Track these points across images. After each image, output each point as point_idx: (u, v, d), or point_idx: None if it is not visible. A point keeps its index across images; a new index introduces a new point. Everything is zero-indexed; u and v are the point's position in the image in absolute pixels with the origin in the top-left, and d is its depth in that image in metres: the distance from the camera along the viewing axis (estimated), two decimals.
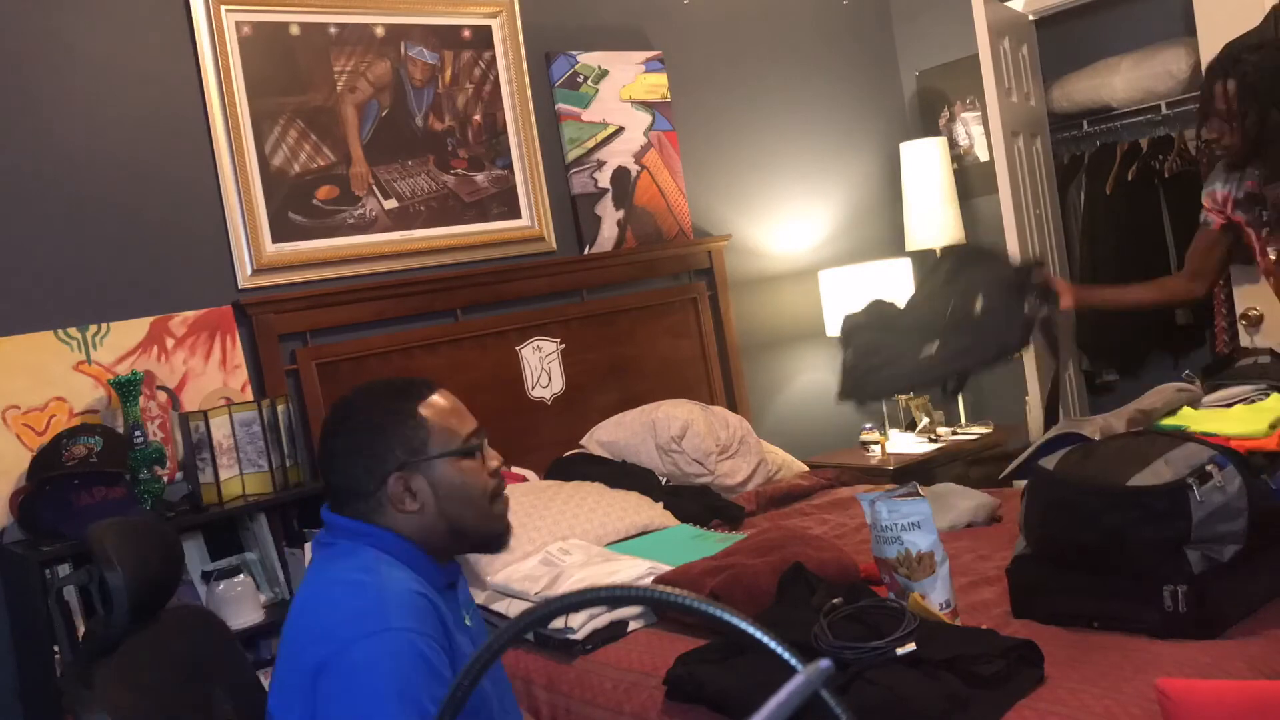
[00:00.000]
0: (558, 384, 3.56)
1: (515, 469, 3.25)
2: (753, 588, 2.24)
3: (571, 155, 3.70)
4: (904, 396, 4.25)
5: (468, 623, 1.57)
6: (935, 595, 1.92)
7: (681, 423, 3.32)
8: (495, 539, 1.59)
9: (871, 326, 2.44)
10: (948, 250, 2.91)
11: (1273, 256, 2.70)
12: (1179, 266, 4.20)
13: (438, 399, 1.56)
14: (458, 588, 1.60)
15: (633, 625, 2.39)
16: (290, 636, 1.44)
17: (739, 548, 2.51)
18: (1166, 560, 1.82)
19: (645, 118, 3.88)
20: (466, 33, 3.54)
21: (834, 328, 4.09)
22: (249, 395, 3.00)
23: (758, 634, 0.61)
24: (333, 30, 3.28)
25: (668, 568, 2.51)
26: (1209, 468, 1.82)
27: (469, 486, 1.53)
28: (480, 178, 3.54)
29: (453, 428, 1.54)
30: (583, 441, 3.47)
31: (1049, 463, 2.03)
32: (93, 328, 2.82)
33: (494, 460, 1.58)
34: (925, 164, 4.28)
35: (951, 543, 2.67)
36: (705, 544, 2.74)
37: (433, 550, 1.53)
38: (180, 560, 1.74)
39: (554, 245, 3.65)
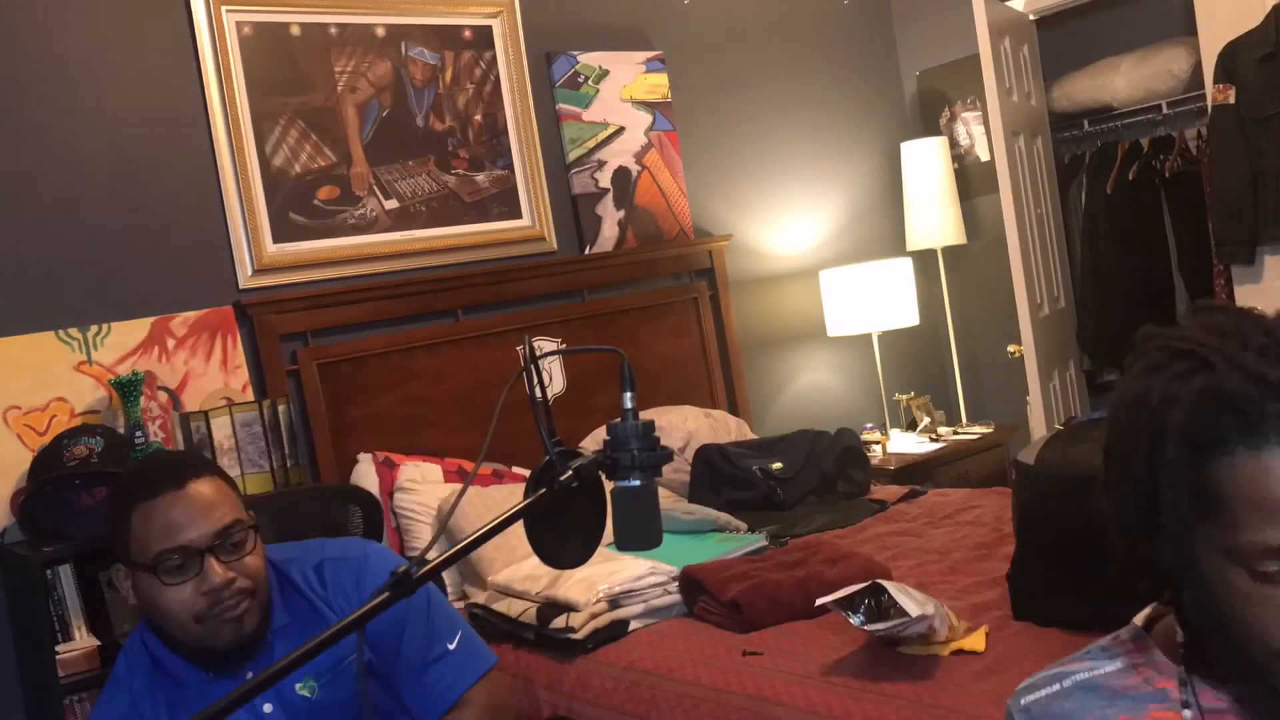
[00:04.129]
0: (558, 384, 3.56)
1: (516, 469, 3.25)
2: (775, 597, 2.28)
3: (572, 155, 3.70)
4: (904, 396, 4.25)
5: (266, 709, 1.53)
6: (940, 633, 1.94)
7: (684, 433, 3.35)
8: (213, 655, 1.50)
9: None
10: None
11: None
12: (1180, 266, 4.20)
13: (169, 499, 1.45)
14: (248, 671, 1.52)
15: (634, 625, 2.39)
16: None
17: (767, 558, 2.53)
18: None
19: (646, 118, 3.87)
20: (467, 33, 3.54)
21: (834, 328, 4.09)
22: (250, 396, 3.00)
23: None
24: (333, 30, 3.28)
25: (669, 568, 2.51)
26: None
27: (162, 603, 1.45)
28: (481, 178, 3.54)
29: (150, 540, 1.43)
30: (583, 444, 3.47)
31: (1028, 455, 2.03)
32: (94, 328, 2.82)
33: (209, 581, 1.44)
34: (926, 164, 4.28)
35: (953, 541, 2.67)
36: (705, 545, 2.74)
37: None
38: None
39: (554, 245, 3.65)
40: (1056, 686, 0.99)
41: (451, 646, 1.60)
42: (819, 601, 2.01)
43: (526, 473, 3.26)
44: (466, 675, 1.60)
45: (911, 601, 1.89)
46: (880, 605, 1.94)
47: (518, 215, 3.60)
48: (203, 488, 1.47)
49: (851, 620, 1.94)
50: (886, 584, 1.93)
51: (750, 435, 3.59)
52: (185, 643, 1.49)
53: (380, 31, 3.36)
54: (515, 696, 2.32)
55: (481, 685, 1.61)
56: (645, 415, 1.24)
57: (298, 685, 1.54)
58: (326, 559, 1.61)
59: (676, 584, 2.49)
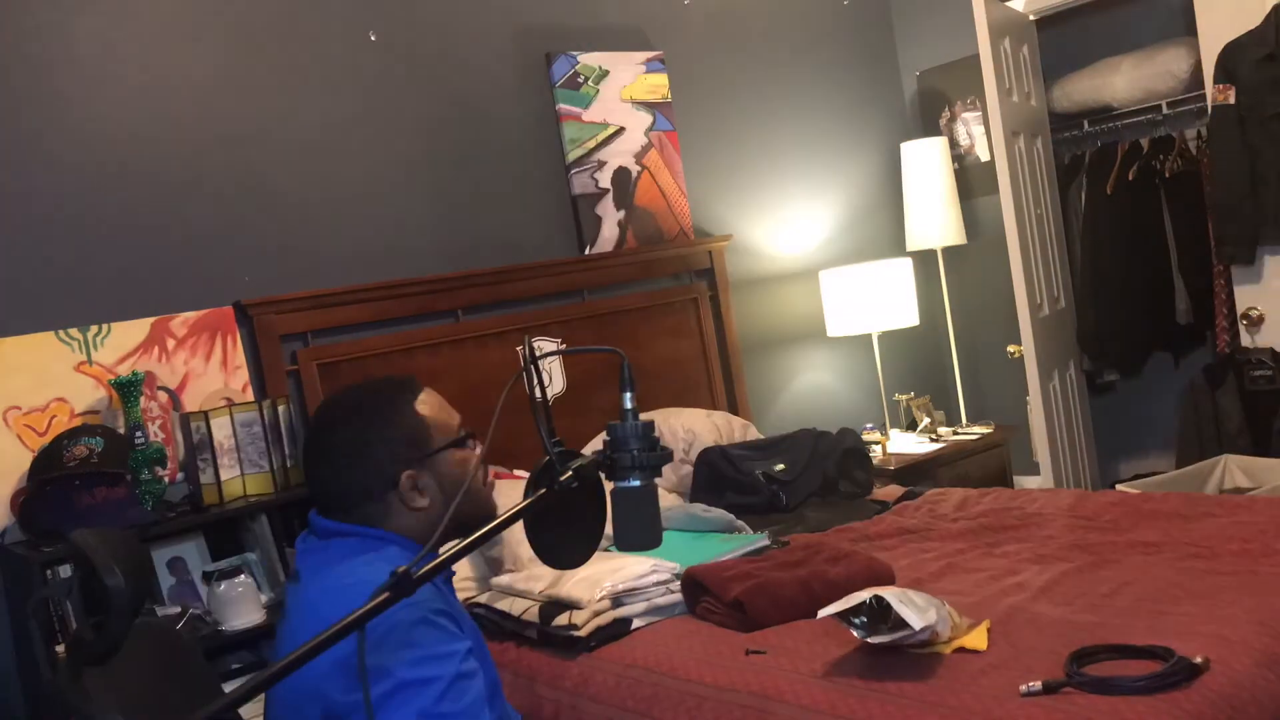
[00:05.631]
0: (558, 384, 3.57)
1: (517, 471, 3.24)
2: (778, 597, 2.27)
3: (572, 155, 3.70)
4: (904, 396, 4.25)
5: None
6: (942, 635, 1.94)
7: (687, 434, 3.36)
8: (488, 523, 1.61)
9: None
10: None
11: None
12: (1180, 267, 4.20)
13: (428, 395, 1.59)
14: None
15: (636, 623, 2.39)
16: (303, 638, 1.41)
17: (769, 558, 2.53)
18: None
19: (646, 118, 3.88)
20: None
21: (834, 328, 4.09)
22: (250, 396, 3.00)
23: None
24: None
25: (671, 565, 2.51)
26: None
27: (468, 477, 1.55)
28: None
29: (446, 421, 1.58)
30: (584, 450, 3.47)
31: None
32: (94, 328, 2.81)
33: (479, 450, 1.62)
34: (926, 164, 4.28)
35: (957, 541, 2.67)
36: (707, 544, 2.74)
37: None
38: (151, 570, 1.72)
39: (555, 245, 3.65)
40: None
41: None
42: (821, 614, 2.01)
43: (526, 473, 3.26)
44: None
45: (914, 611, 1.88)
46: (883, 616, 1.93)
47: None
48: None
49: (854, 633, 1.95)
50: (889, 594, 1.91)
51: (752, 433, 3.59)
52: (475, 515, 1.48)
53: None
54: (516, 695, 2.33)
55: None
56: (648, 417, 1.24)
57: None
58: None
59: (679, 582, 2.49)
